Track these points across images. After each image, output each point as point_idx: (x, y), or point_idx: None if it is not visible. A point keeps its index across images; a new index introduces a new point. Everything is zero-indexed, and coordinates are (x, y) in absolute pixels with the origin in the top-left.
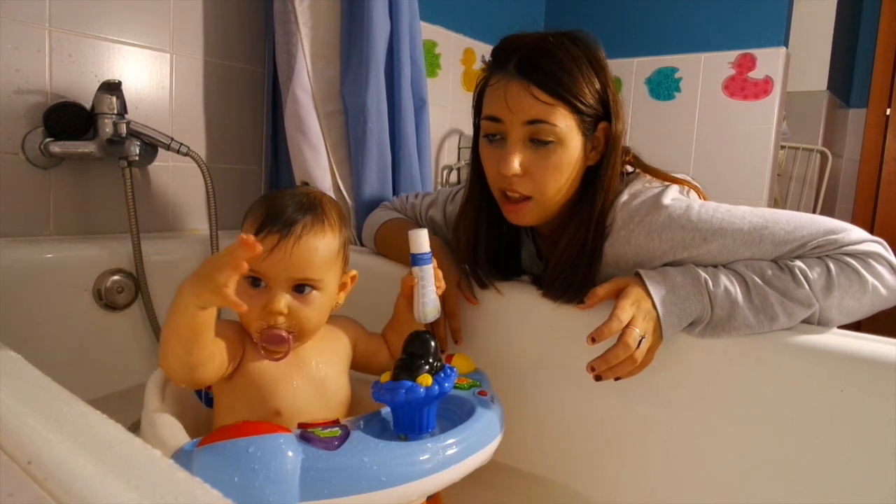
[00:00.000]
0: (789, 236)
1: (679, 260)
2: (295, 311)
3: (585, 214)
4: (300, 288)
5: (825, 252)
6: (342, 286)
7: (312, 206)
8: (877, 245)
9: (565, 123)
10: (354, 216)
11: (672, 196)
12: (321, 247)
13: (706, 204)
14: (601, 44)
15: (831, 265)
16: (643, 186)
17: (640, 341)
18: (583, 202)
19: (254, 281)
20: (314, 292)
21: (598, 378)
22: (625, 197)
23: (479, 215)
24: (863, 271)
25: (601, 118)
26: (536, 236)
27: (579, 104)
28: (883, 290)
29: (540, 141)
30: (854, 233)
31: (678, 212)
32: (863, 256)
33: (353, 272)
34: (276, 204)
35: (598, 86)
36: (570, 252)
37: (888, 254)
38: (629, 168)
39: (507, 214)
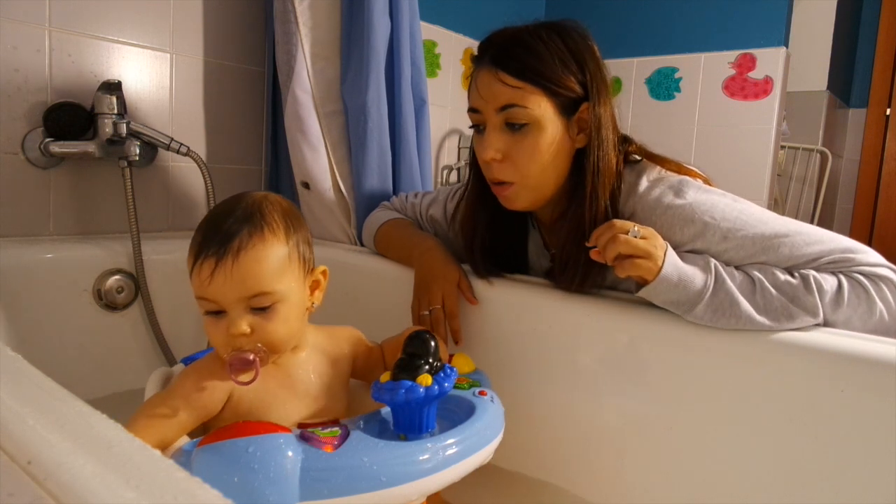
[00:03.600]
0: (808, 248)
1: (696, 249)
2: (259, 328)
3: (580, 198)
4: (259, 305)
5: (839, 268)
6: (314, 285)
7: (249, 216)
8: (890, 272)
9: (538, 105)
10: (355, 216)
11: (695, 190)
12: (266, 257)
13: (732, 203)
14: (588, 30)
15: (844, 280)
16: (660, 175)
17: (632, 232)
18: (577, 188)
19: (211, 313)
20: (276, 305)
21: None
22: (643, 186)
23: (477, 209)
24: (873, 293)
25: (583, 99)
26: (541, 227)
27: (551, 85)
28: (887, 317)
29: (515, 125)
30: (871, 256)
31: (702, 207)
32: (875, 278)
33: (322, 267)
34: (212, 223)
35: (574, 67)
36: (572, 239)
37: None
38: (636, 157)
39: (500, 201)
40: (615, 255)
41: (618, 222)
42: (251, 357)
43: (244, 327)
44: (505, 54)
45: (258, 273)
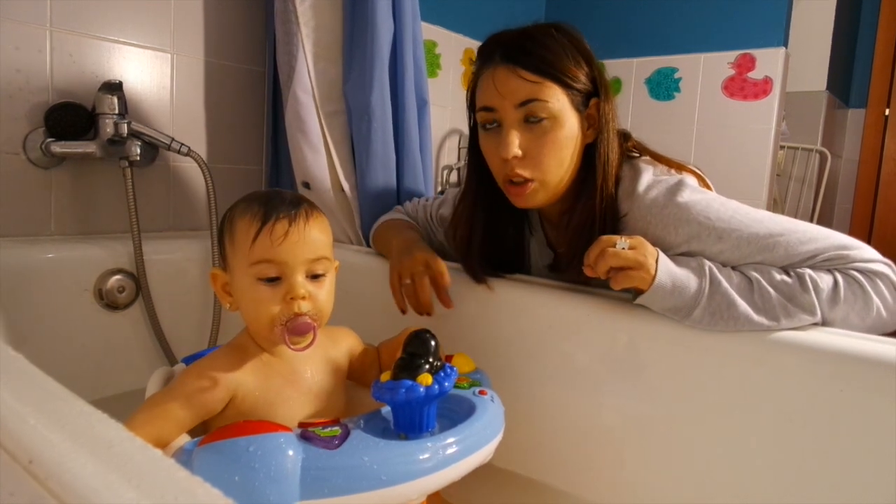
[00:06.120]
0: (803, 247)
1: (692, 251)
2: (314, 295)
3: (590, 192)
4: (314, 273)
5: (834, 265)
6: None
7: (299, 196)
8: (886, 267)
9: (556, 99)
10: (358, 216)
11: (690, 191)
12: (327, 227)
13: (726, 203)
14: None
15: (839, 278)
16: (657, 175)
17: (619, 245)
18: (586, 181)
19: (268, 280)
20: (325, 277)
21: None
22: (642, 186)
23: (476, 211)
24: (869, 289)
25: (592, 94)
26: (545, 224)
27: (567, 79)
28: (884, 313)
29: (534, 119)
30: (866, 251)
31: (697, 207)
32: (871, 274)
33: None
34: (267, 199)
35: (582, 62)
36: (582, 231)
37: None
38: (635, 153)
39: (514, 199)
40: (606, 269)
41: (604, 237)
42: (310, 321)
43: (305, 290)
44: (520, 50)
45: (323, 239)
